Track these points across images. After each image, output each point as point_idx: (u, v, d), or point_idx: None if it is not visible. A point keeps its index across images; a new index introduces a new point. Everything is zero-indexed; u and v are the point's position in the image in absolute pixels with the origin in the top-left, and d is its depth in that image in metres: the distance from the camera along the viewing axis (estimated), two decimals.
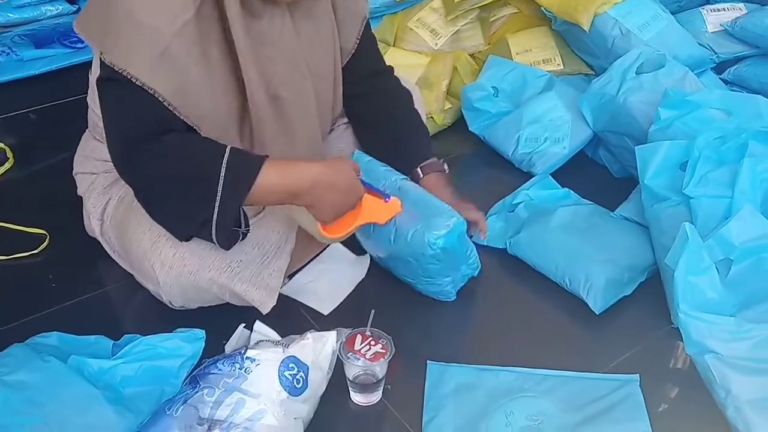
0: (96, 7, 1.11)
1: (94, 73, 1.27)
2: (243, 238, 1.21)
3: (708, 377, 1.10)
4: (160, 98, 1.08)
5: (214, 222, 1.11)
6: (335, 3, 1.30)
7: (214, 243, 1.15)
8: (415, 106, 1.49)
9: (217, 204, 1.09)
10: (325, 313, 1.33)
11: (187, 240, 1.18)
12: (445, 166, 1.43)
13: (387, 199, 1.23)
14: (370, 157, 1.38)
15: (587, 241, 1.40)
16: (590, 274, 1.34)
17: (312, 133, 1.32)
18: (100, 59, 1.10)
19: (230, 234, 1.15)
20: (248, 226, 1.20)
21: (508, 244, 1.46)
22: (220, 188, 1.08)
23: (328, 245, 1.45)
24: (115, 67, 1.07)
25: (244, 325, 1.19)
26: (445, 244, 1.22)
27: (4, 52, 2.12)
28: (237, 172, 1.09)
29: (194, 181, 1.10)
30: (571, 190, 1.59)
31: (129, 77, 1.06)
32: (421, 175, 1.39)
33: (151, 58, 1.06)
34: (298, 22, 1.22)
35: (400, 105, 1.46)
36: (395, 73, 1.50)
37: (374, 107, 1.44)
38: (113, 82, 1.09)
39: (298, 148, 1.29)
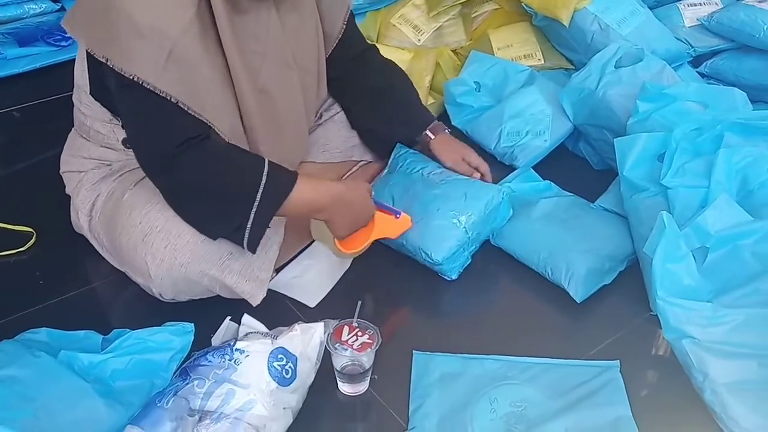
0: (90, 12, 1.10)
1: (79, 72, 1.27)
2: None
3: (686, 362, 1.12)
4: (173, 100, 1.09)
5: (248, 229, 1.16)
6: None
7: (242, 247, 1.19)
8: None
9: (253, 212, 1.14)
10: (312, 306, 1.34)
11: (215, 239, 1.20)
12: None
13: (398, 216, 1.32)
14: (408, 148, 1.49)
15: (568, 232, 1.43)
16: (571, 263, 1.36)
17: (299, 125, 1.35)
18: (109, 66, 1.08)
19: (260, 240, 1.19)
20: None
21: (491, 235, 1.48)
22: (258, 198, 1.13)
23: (315, 240, 1.47)
24: (123, 73, 1.07)
25: (230, 317, 1.20)
26: (504, 200, 1.40)
27: None
28: (275, 184, 1.15)
29: (234, 189, 1.15)
30: (552, 183, 1.61)
31: (140, 82, 1.07)
32: (433, 137, 1.47)
33: (158, 60, 1.06)
34: (284, 15, 1.23)
35: (393, 76, 1.51)
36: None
37: (368, 82, 1.48)
38: (127, 88, 1.09)
39: (286, 141, 1.31)
